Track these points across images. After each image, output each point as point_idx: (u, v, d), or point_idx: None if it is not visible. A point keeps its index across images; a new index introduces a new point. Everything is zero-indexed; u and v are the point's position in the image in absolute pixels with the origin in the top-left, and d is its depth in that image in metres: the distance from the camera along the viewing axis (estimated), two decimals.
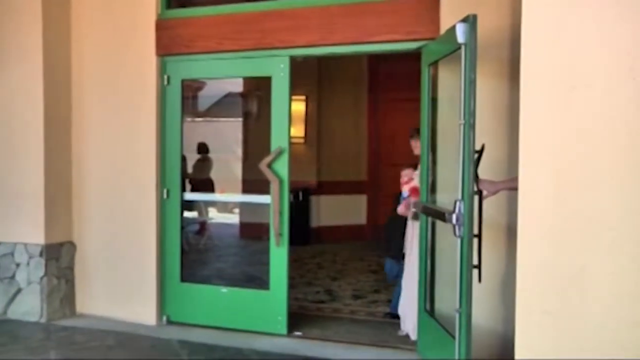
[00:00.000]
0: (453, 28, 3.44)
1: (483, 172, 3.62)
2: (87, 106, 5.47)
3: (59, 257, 5.41)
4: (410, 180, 4.77)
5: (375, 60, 9.19)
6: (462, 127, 3.38)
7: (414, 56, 4.55)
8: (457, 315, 3.41)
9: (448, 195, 3.80)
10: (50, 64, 5.30)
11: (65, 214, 5.48)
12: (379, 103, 9.84)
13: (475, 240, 3.48)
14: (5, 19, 5.32)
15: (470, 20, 3.34)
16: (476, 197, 3.49)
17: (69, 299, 5.52)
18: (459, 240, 3.41)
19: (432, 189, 4.39)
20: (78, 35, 5.47)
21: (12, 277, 5.39)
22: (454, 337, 3.48)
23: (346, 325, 5.26)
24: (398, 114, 9.42)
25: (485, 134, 3.75)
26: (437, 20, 4.33)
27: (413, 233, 4.74)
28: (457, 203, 3.37)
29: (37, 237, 5.30)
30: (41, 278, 5.29)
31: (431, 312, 4.28)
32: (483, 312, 4.02)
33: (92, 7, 5.41)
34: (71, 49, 5.49)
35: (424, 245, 4.41)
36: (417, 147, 4.66)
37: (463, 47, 3.39)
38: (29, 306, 5.33)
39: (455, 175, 3.49)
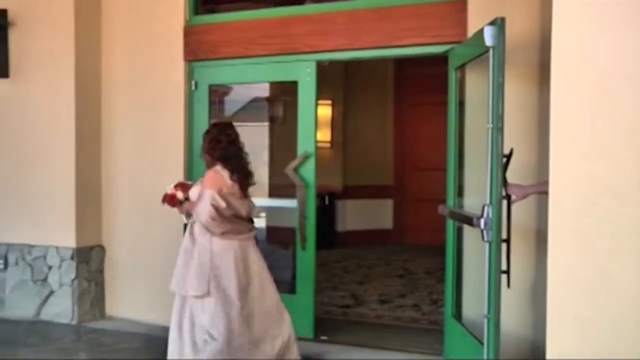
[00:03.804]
0: (481, 31, 3.42)
1: (512, 176, 3.57)
2: (116, 112, 5.55)
3: (89, 260, 5.50)
4: None
5: (402, 63, 9.14)
6: (490, 130, 3.34)
7: (441, 60, 4.52)
8: (485, 321, 3.37)
9: (476, 199, 3.77)
10: (82, 70, 5.39)
11: (95, 218, 5.56)
12: (405, 107, 9.79)
13: (504, 245, 3.44)
14: (38, 26, 5.43)
15: (499, 23, 3.31)
16: (505, 202, 3.45)
17: (99, 301, 5.60)
18: (487, 245, 3.37)
19: (459, 193, 4.35)
20: (108, 42, 5.56)
21: (45, 279, 5.48)
22: (482, 343, 3.44)
23: (372, 330, 5.24)
24: (424, 118, 9.37)
25: (514, 137, 3.70)
26: (464, 23, 4.30)
27: None
28: (486, 207, 3.34)
29: (68, 240, 5.39)
30: (72, 281, 5.38)
31: (458, 317, 4.24)
32: (512, 318, 3.96)
33: (122, 14, 5.49)
34: (101, 55, 5.58)
35: (450, 250, 4.37)
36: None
37: (491, 50, 3.35)
38: (61, 308, 5.42)
39: (483, 179, 3.45)
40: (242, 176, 3.72)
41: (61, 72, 5.36)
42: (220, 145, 3.71)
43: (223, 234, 3.64)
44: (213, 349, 3.60)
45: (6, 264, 5.62)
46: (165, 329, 5.15)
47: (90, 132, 5.51)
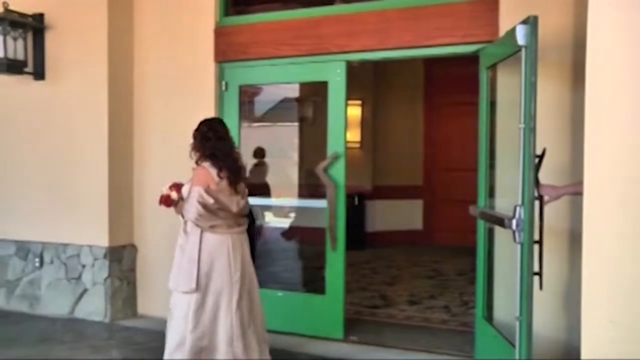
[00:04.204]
0: (513, 30, 3.38)
1: (544, 177, 3.52)
2: (148, 113, 5.62)
3: (121, 259, 5.58)
4: None
5: (432, 63, 9.09)
6: (522, 130, 3.30)
7: (471, 59, 4.49)
8: (517, 324, 3.33)
9: (507, 200, 3.72)
10: (114, 73, 5.48)
11: (127, 218, 5.64)
12: (435, 107, 9.73)
13: (536, 247, 3.39)
14: (72, 30, 5.53)
15: (531, 22, 3.27)
16: (537, 203, 3.41)
17: (131, 300, 5.68)
18: (519, 247, 3.33)
19: (490, 193, 4.31)
20: (140, 44, 5.63)
21: (79, 277, 5.58)
22: (513, 346, 3.40)
23: (402, 331, 5.22)
24: (454, 118, 9.32)
25: (547, 137, 3.65)
26: (495, 22, 4.25)
27: None
28: (517, 208, 3.30)
29: (101, 239, 5.48)
30: (105, 279, 5.47)
31: (489, 319, 4.20)
32: (544, 320, 3.91)
33: (154, 17, 5.56)
34: (133, 57, 5.65)
35: (481, 251, 4.33)
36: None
37: (523, 50, 3.31)
38: (94, 306, 5.51)
39: (515, 180, 3.41)
40: (231, 172, 3.66)
41: (95, 74, 5.45)
42: (209, 143, 3.67)
43: (212, 228, 3.63)
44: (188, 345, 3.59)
45: (42, 263, 5.74)
46: None
47: (123, 134, 5.59)
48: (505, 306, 3.84)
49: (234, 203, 3.67)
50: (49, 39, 5.62)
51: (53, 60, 5.62)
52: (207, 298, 3.61)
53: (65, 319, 5.56)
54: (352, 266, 7.17)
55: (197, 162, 3.71)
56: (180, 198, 3.69)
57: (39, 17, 5.57)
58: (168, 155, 5.52)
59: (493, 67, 4.17)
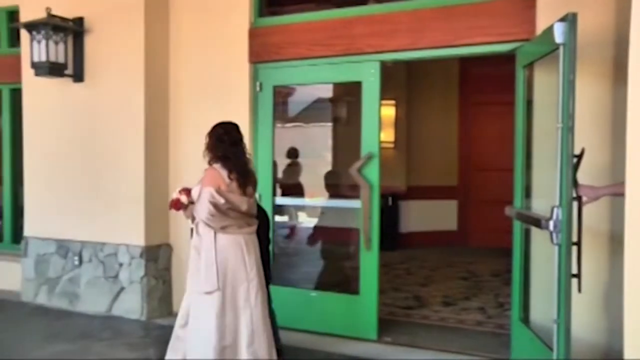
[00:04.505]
0: (551, 28, 3.32)
1: (583, 177, 3.46)
2: (183, 114, 5.69)
3: (157, 258, 5.66)
4: None
5: (466, 62, 9.00)
6: (560, 130, 3.25)
7: (507, 58, 4.43)
8: (555, 326, 3.27)
9: (544, 201, 3.67)
10: (151, 74, 5.56)
11: (162, 218, 5.71)
12: (469, 106, 9.62)
13: (575, 248, 3.33)
14: (110, 32, 5.64)
15: (570, 19, 3.21)
16: (575, 203, 3.35)
17: (166, 298, 5.76)
18: (556, 248, 3.28)
19: (527, 194, 4.25)
20: (176, 46, 5.70)
21: (116, 276, 5.68)
22: (551, 349, 3.34)
23: (436, 332, 5.18)
24: (490, 118, 9.21)
25: (586, 137, 3.58)
26: (532, 20, 4.20)
27: None
28: (555, 209, 3.25)
29: (137, 239, 5.57)
30: (141, 278, 5.55)
31: (526, 321, 4.14)
32: (583, 323, 3.83)
33: (189, 19, 5.63)
34: (169, 59, 5.73)
35: (517, 253, 4.28)
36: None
37: (562, 48, 3.26)
38: (131, 304, 5.61)
39: (552, 180, 3.36)
40: (240, 175, 3.73)
41: (131, 76, 5.55)
42: (222, 145, 3.76)
43: (224, 228, 3.69)
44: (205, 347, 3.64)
45: (81, 261, 5.86)
46: None
47: (159, 135, 5.67)
48: (543, 308, 3.78)
49: (243, 202, 3.74)
50: (88, 42, 5.73)
51: (91, 62, 5.74)
52: (226, 297, 3.66)
53: (103, 316, 5.67)
54: (385, 267, 7.15)
55: (209, 163, 3.79)
56: (190, 202, 3.76)
57: (79, 21, 5.70)
58: (202, 155, 5.56)
59: (530, 66, 4.11)
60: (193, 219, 3.80)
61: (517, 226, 4.29)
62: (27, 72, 5.92)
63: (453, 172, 9.69)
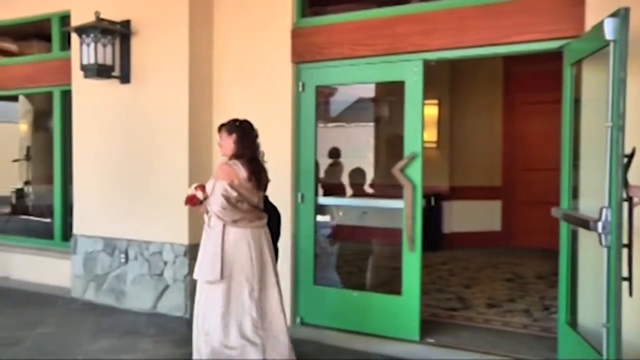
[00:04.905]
0: (601, 24, 3.24)
1: (634, 177, 3.36)
2: (226, 114, 5.68)
3: None
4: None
5: (511, 61, 8.85)
6: (609, 129, 3.16)
7: (553, 55, 4.34)
8: (604, 331, 3.19)
9: (593, 202, 3.58)
10: (195, 76, 5.64)
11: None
12: (514, 105, 9.46)
13: (625, 251, 3.24)
14: (156, 35, 5.74)
15: (622, 15, 3.12)
16: (625, 204, 3.25)
17: None
18: (605, 250, 3.19)
19: (574, 194, 4.16)
20: (219, 47, 5.77)
21: (161, 274, 5.79)
22: (600, 354, 3.26)
23: (480, 334, 5.11)
24: (535, 117, 9.04)
25: (636, 137, 3.48)
26: (580, 16, 4.09)
27: None
28: (604, 210, 3.17)
29: (181, 237, 5.65)
30: (185, 276, 5.64)
31: (573, 325, 4.05)
32: (635, 327, 3.72)
33: (232, 20, 5.69)
34: (212, 60, 5.80)
35: (564, 255, 4.18)
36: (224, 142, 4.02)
37: (612, 44, 3.17)
38: (175, 302, 5.70)
39: (601, 180, 3.27)
40: (256, 171, 3.86)
41: (176, 77, 5.63)
42: (246, 143, 3.90)
43: (235, 222, 3.79)
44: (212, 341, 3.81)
45: (127, 259, 6.00)
46: None
47: (202, 135, 5.74)
48: (591, 312, 3.69)
49: (255, 196, 3.88)
50: (134, 44, 5.85)
51: (138, 64, 5.86)
52: (232, 287, 3.79)
53: (148, 313, 5.78)
54: (428, 267, 7.09)
55: (230, 158, 3.91)
56: (205, 197, 3.87)
57: (126, 23, 5.82)
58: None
59: (578, 64, 4.02)
60: (207, 212, 3.92)
61: (564, 227, 4.20)
62: (76, 74, 6.09)
63: (497, 172, 9.55)
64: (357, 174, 8.67)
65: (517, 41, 4.48)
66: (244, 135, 3.92)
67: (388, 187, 5.57)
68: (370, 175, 8.86)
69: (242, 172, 3.80)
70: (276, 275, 3.99)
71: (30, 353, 4.71)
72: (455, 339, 4.96)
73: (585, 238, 3.84)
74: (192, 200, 3.87)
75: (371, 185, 8.48)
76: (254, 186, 3.85)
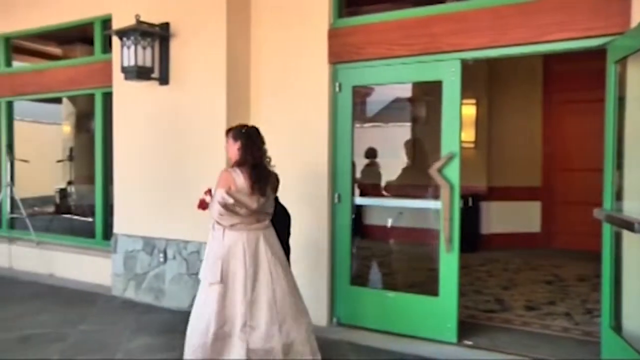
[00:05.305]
0: None
1: None
2: (263, 114, 5.79)
3: None
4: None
5: (551, 59, 8.70)
6: None
7: (595, 53, 4.24)
8: None
9: (638, 203, 3.49)
10: (232, 77, 5.68)
11: None
12: (554, 104, 9.28)
13: None
14: (194, 37, 5.81)
15: None
16: None
17: None
18: None
19: (618, 195, 4.06)
20: (256, 47, 5.81)
21: (198, 273, 5.83)
22: None
23: (519, 337, 5.03)
24: (575, 116, 8.86)
25: None
26: (626, 12, 3.99)
27: None
28: None
29: None
30: None
31: (617, 329, 3.95)
32: None
33: (269, 21, 5.72)
34: (250, 61, 5.84)
35: (607, 257, 4.09)
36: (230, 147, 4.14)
37: None
38: None
39: None
40: (260, 181, 3.98)
41: (214, 78, 5.68)
42: (250, 151, 4.01)
43: (232, 226, 3.94)
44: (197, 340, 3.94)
45: (165, 258, 6.08)
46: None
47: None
48: (637, 316, 3.60)
49: (254, 201, 3.96)
50: (173, 46, 5.93)
51: (176, 66, 5.94)
52: (228, 288, 3.92)
53: (186, 312, 5.80)
54: (465, 268, 7.01)
55: (232, 166, 4.03)
56: None
57: (165, 26, 5.90)
58: (284, 155, 5.62)
59: (622, 61, 3.92)
60: None
61: (607, 229, 4.10)
62: (117, 76, 6.21)
63: (536, 172, 9.39)
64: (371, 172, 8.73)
65: (556, 39, 4.40)
66: (248, 142, 4.03)
67: (426, 188, 5.51)
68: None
69: (240, 179, 3.93)
70: (277, 272, 4.03)
71: (73, 349, 4.83)
72: (493, 342, 4.90)
73: (630, 240, 3.75)
74: (202, 205, 4.06)
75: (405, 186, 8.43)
76: (253, 192, 3.95)
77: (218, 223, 3.99)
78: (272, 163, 4.20)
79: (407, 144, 8.79)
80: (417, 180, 8.06)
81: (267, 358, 3.89)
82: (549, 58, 8.64)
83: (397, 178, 8.44)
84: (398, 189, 8.23)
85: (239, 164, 3.99)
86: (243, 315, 3.89)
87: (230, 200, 3.90)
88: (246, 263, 3.93)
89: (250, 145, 4.01)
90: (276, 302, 3.98)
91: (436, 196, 4.95)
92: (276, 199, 4.49)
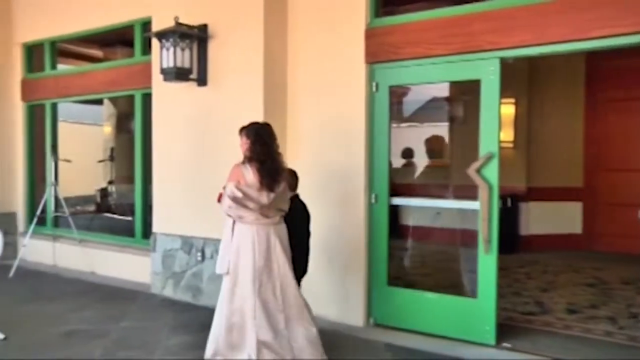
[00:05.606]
0: None
1: None
2: (300, 115, 5.81)
3: None
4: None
5: (594, 56, 8.48)
6: None
7: None
8: None
9: None
10: (269, 77, 5.71)
11: None
12: (597, 103, 9.06)
13: None
14: (232, 38, 5.85)
15: None
16: None
17: None
18: None
19: None
20: (293, 48, 5.83)
21: None
22: None
23: (560, 341, 4.93)
24: (621, 115, 8.67)
25: None
26: None
27: None
28: None
29: None
30: None
31: None
32: None
33: (306, 21, 5.73)
34: (287, 61, 5.87)
35: None
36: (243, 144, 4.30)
37: None
38: None
39: None
40: (270, 176, 4.12)
41: (251, 79, 5.72)
42: (260, 148, 4.17)
43: (241, 218, 4.11)
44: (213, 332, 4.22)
45: (203, 257, 6.15)
46: (345, 326, 5.33)
47: (277, 134, 5.77)
48: None
49: (263, 196, 4.09)
50: (211, 47, 5.99)
51: (214, 67, 6.00)
52: (238, 280, 4.11)
53: None
54: (504, 270, 6.92)
55: (243, 161, 4.18)
56: None
57: (203, 27, 5.97)
58: (319, 156, 5.65)
59: None
60: None
61: None
62: (156, 77, 6.31)
63: (578, 172, 9.19)
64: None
65: (600, 36, 4.30)
66: (259, 139, 4.20)
67: (464, 188, 5.44)
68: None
69: (249, 174, 4.10)
70: (285, 268, 4.17)
71: (115, 345, 4.93)
72: (533, 345, 4.81)
73: None
74: (220, 199, 4.24)
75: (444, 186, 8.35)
76: (262, 187, 4.08)
77: (228, 215, 4.16)
78: (294, 160, 4.45)
79: (427, 142, 8.72)
80: (436, 179, 8.02)
81: (278, 350, 4.04)
82: (592, 55, 8.42)
83: (417, 177, 8.39)
84: (420, 189, 8.16)
85: (249, 159, 4.16)
86: (252, 310, 4.04)
87: (239, 194, 4.06)
88: (255, 256, 4.07)
89: (259, 142, 4.18)
90: (285, 298, 4.14)
91: (456, 196, 4.89)
92: (297, 196, 4.66)
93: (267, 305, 4.09)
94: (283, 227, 4.26)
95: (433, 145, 9.47)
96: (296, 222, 4.45)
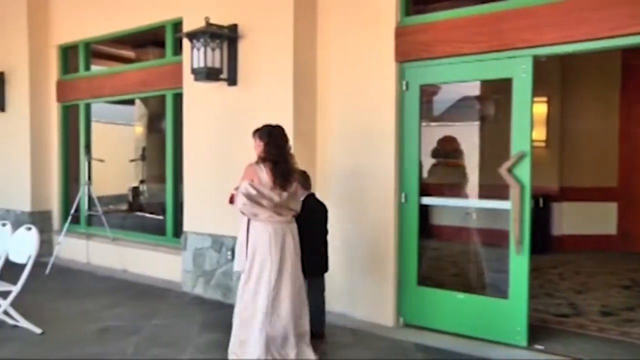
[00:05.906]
0: None
1: None
2: (330, 113, 5.80)
3: None
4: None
5: (631, 53, 8.30)
6: None
7: None
8: None
9: None
10: (299, 77, 5.73)
11: None
12: (633, 101, 8.87)
13: None
14: (261, 38, 5.88)
15: None
16: None
17: None
18: None
19: None
20: (323, 47, 5.84)
21: None
22: None
23: (594, 344, 4.85)
24: None
25: None
26: None
27: None
28: None
29: None
30: None
31: None
32: None
33: (336, 20, 5.73)
34: (316, 60, 5.87)
35: None
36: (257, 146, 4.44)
37: None
38: None
39: None
40: (282, 177, 4.27)
41: (281, 79, 5.74)
42: (273, 149, 4.32)
43: (255, 216, 4.25)
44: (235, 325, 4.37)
45: (233, 256, 6.17)
46: (374, 325, 5.32)
47: (307, 134, 5.83)
48: None
49: (276, 195, 4.24)
50: (241, 47, 6.03)
51: (244, 67, 6.03)
52: (251, 276, 4.25)
53: None
54: (536, 271, 6.81)
55: (258, 160, 4.33)
56: None
57: (233, 27, 6.01)
58: (350, 155, 5.64)
59: None
60: None
61: None
62: (187, 77, 6.37)
63: (612, 172, 9.02)
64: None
65: (635, 33, 4.20)
66: (272, 141, 4.35)
67: (495, 188, 5.38)
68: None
69: (263, 174, 4.25)
70: (295, 266, 4.33)
71: (147, 342, 5.00)
72: (566, 347, 4.74)
73: None
74: (232, 200, 4.39)
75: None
76: (276, 186, 4.24)
77: (242, 213, 4.28)
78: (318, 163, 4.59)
79: (440, 142, 8.62)
80: (448, 179, 7.94)
81: (280, 350, 4.23)
82: (628, 52, 8.25)
83: (427, 177, 8.30)
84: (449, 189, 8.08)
85: (263, 160, 4.30)
86: (265, 305, 4.19)
87: (253, 192, 4.21)
88: (272, 253, 4.20)
89: (272, 143, 4.33)
90: (297, 294, 4.30)
91: (465, 196, 4.84)
92: (313, 194, 4.89)
93: (277, 302, 4.23)
94: (295, 227, 4.42)
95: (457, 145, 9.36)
96: (311, 220, 4.65)
